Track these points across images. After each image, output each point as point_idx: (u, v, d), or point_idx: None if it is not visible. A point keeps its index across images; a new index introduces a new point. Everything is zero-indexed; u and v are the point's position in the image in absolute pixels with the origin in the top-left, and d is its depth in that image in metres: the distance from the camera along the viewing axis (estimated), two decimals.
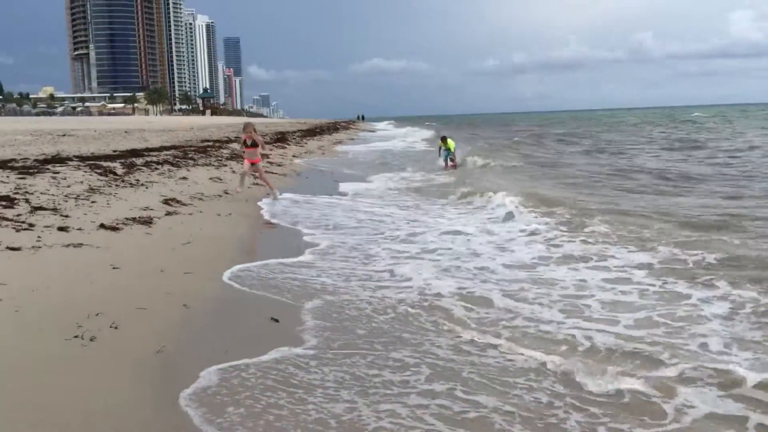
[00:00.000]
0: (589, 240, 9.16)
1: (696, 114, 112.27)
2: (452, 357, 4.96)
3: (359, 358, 4.87)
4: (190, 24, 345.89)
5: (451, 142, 25.92)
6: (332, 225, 10.70)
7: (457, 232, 10.08)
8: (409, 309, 6.08)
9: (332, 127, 76.29)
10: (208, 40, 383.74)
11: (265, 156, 14.13)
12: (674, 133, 51.15)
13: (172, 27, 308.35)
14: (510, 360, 4.92)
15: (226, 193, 13.62)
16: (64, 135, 31.07)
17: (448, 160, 24.86)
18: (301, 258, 8.17)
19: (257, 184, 14.67)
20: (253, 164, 13.70)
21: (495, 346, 5.18)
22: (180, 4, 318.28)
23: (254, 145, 13.67)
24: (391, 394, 4.27)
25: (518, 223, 10.82)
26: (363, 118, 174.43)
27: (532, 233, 9.83)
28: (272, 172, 19.07)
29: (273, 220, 10.92)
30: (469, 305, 6.21)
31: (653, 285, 6.85)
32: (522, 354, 5.01)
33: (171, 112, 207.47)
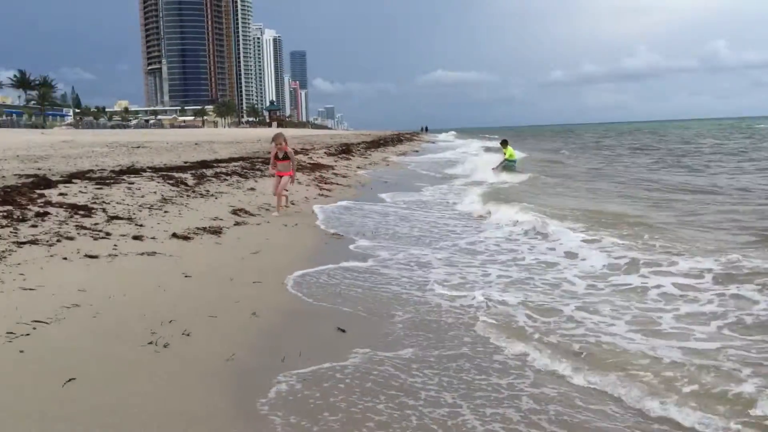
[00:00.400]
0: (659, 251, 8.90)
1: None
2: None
3: (464, 362, 4.94)
4: (258, 38, 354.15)
5: (511, 150, 25.46)
6: (398, 234, 10.71)
7: (516, 241, 9.95)
8: (488, 319, 6.01)
9: (396, 139, 76.54)
10: (275, 53, 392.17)
11: (292, 177, 12.78)
12: (753, 144, 49.45)
13: (241, 42, 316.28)
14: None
15: (293, 203, 13.81)
16: (138, 147, 32.17)
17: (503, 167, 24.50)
18: (366, 264, 8.20)
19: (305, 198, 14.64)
20: (281, 178, 12.46)
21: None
22: (249, 20, 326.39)
23: (286, 158, 12.62)
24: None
25: (579, 234, 10.60)
26: (426, 129, 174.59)
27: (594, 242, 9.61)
28: (337, 183, 19.28)
29: (337, 231, 10.99)
30: (540, 316, 6.11)
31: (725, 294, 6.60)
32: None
33: (239, 124, 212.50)
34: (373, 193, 17.66)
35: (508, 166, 24.93)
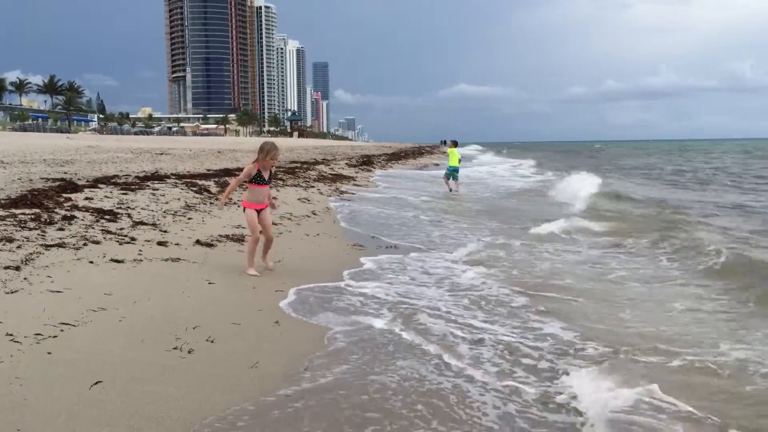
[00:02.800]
0: None
1: None
2: None
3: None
4: (282, 49, 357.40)
5: (457, 155, 22.67)
6: (425, 245, 10.71)
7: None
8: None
9: (417, 152, 76.74)
10: (298, 64, 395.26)
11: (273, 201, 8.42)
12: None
13: (264, 51, 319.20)
14: None
15: (314, 213, 13.87)
16: (161, 153, 32.49)
17: (450, 180, 22.33)
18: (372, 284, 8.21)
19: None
20: (262, 211, 8.11)
21: None
22: (273, 30, 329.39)
23: (269, 180, 8.16)
24: None
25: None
26: (446, 143, 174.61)
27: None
28: (354, 194, 19.33)
29: (359, 242, 11.02)
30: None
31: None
32: None
33: (260, 133, 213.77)
34: (391, 207, 17.67)
35: (450, 174, 22.53)
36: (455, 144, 23.94)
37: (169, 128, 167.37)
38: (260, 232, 8.06)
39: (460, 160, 23.10)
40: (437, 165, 50.20)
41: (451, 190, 22.36)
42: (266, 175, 8.04)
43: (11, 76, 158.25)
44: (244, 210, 8.13)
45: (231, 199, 8.13)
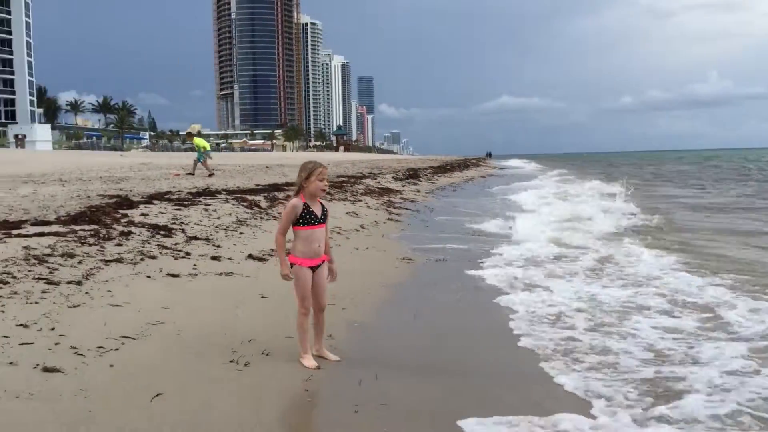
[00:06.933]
0: None
1: None
2: None
3: None
4: (327, 64, 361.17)
5: (201, 141, 27.48)
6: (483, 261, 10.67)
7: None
8: None
9: (462, 164, 76.47)
10: (343, 79, 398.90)
11: None
12: None
13: (310, 67, 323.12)
14: None
15: (362, 227, 13.93)
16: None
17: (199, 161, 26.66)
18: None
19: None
20: (317, 268, 5.44)
21: None
22: (318, 46, 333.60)
23: (324, 218, 5.43)
24: None
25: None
26: (490, 155, 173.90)
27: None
28: (405, 209, 19.35)
29: (410, 256, 11.02)
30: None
31: None
32: None
33: (306, 148, 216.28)
34: (441, 222, 17.62)
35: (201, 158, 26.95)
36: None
37: (218, 144, 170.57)
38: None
39: None
40: (484, 177, 49.99)
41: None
42: (317, 210, 5.33)
43: (67, 97, 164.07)
44: (291, 267, 5.34)
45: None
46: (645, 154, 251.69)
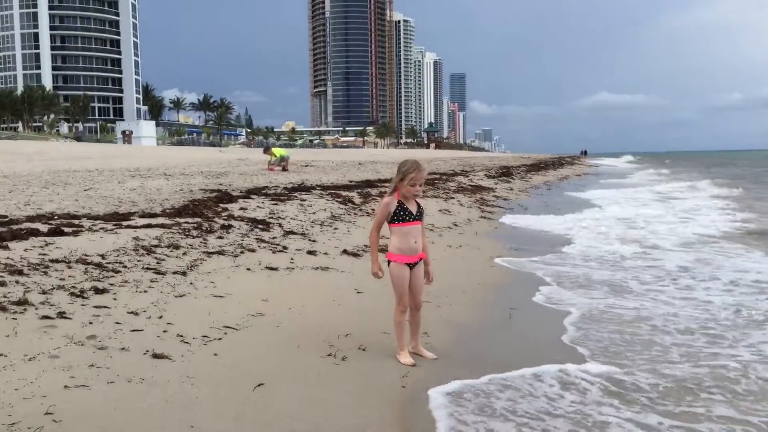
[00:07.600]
0: None
1: None
2: None
3: None
4: (419, 61, 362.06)
5: (279, 151, 29.69)
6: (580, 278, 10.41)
7: None
8: None
9: (557, 162, 74.77)
10: (435, 76, 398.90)
11: None
12: None
13: (402, 64, 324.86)
14: None
15: (455, 225, 13.85)
16: (306, 165, 33.86)
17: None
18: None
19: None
20: (414, 265, 5.45)
21: None
22: (410, 43, 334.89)
23: (420, 215, 5.44)
24: None
25: None
26: (585, 153, 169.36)
27: None
28: (498, 206, 19.10)
29: (506, 255, 10.86)
30: None
31: None
32: None
33: (397, 145, 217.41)
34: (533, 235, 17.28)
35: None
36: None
37: (311, 141, 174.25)
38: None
39: None
40: (579, 176, 48.71)
41: None
42: (413, 208, 5.32)
43: (170, 94, 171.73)
44: (388, 264, 5.40)
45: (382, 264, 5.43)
46: (755, 153, 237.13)
